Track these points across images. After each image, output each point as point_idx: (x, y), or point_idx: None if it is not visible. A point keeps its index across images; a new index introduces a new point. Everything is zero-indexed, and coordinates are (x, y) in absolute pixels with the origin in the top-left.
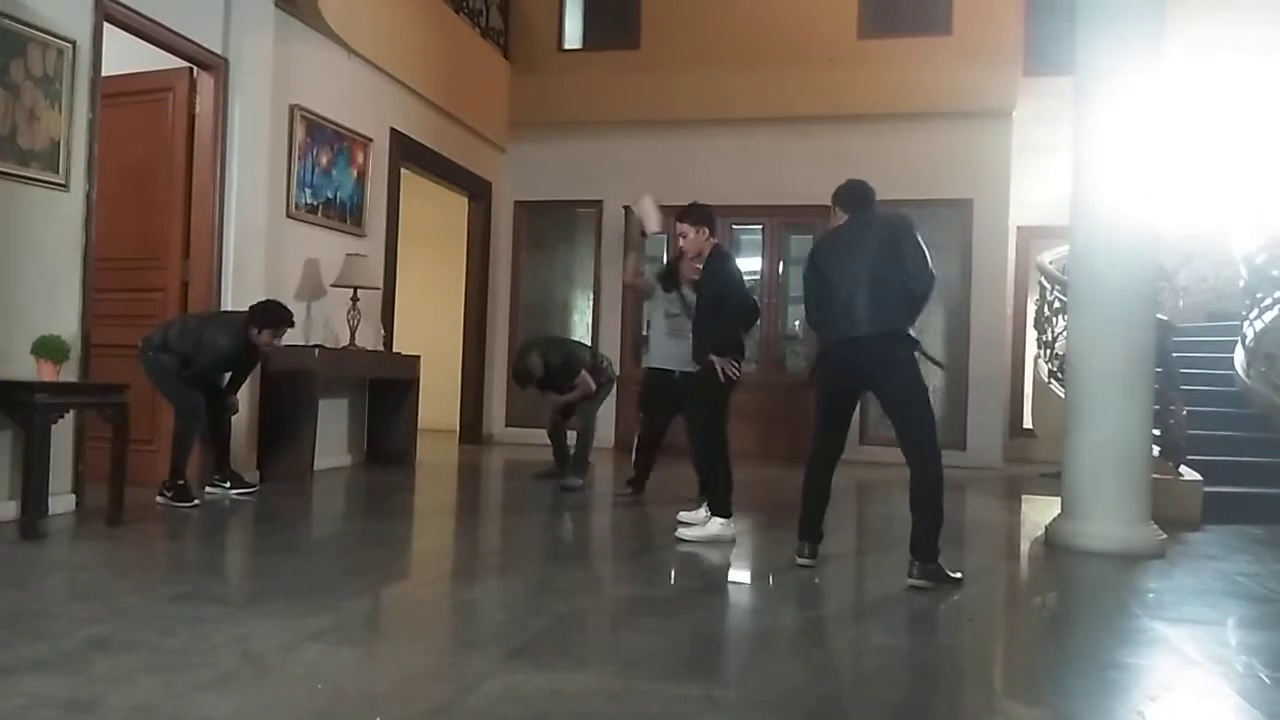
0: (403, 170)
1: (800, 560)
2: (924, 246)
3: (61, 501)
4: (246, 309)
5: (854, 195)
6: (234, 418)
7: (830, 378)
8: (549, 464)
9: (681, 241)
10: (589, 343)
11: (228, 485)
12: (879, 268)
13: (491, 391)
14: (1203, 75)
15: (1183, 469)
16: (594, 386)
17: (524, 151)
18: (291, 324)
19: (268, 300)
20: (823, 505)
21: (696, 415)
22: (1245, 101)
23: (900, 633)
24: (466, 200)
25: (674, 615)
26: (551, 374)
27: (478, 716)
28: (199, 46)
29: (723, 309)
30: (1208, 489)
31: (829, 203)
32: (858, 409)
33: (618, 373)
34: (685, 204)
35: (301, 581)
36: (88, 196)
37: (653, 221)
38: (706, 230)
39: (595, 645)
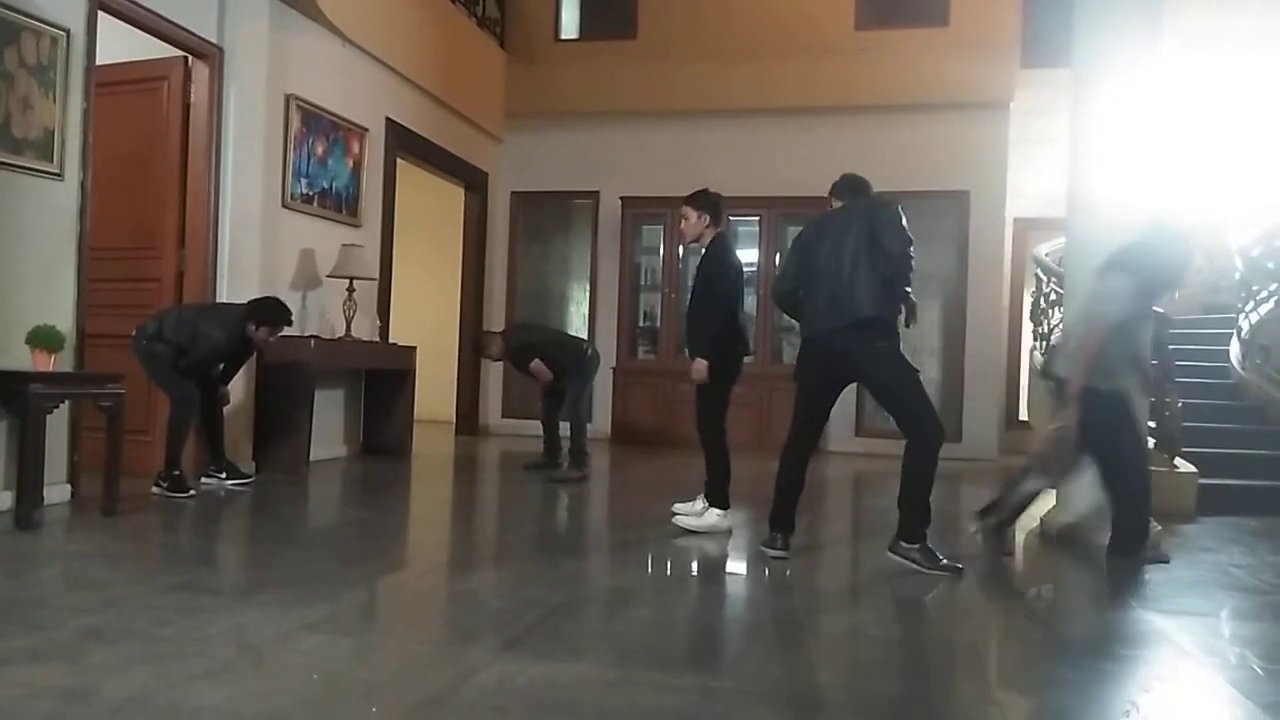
0: (399, 160)
1: (771, 552)
2: (902, 218)
3: (57, 491)
4: (244, 302)
5: (847, 185)
6: (229, 408)
7: (812, 369)
8: (539, 454)
9: (682, 224)
10: (579, 333)
11: (223, 476)
12: (860, 252)
13: (487, 382)
14: (1199, 68)
15: (1178, 461)
16: (549, 376)
17: (520, 142)
18: (290, 322)
19: (267, 297)
20: (797, 496)
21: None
22: (1241, 95)
23: (895, 623)
24: (463, 191)
25: (670, 606)
26: (511, 355)
27: (473, 706)
28: (194, 35)
29: (711, 298)
30: (1203, 481)
31: (826, 194)
32: (854, 400)
33: (611, 363)
34: (685, 194)
35: (297, 572)
36: (82, 186)
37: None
38: (708, 218)
39: (591, 635)
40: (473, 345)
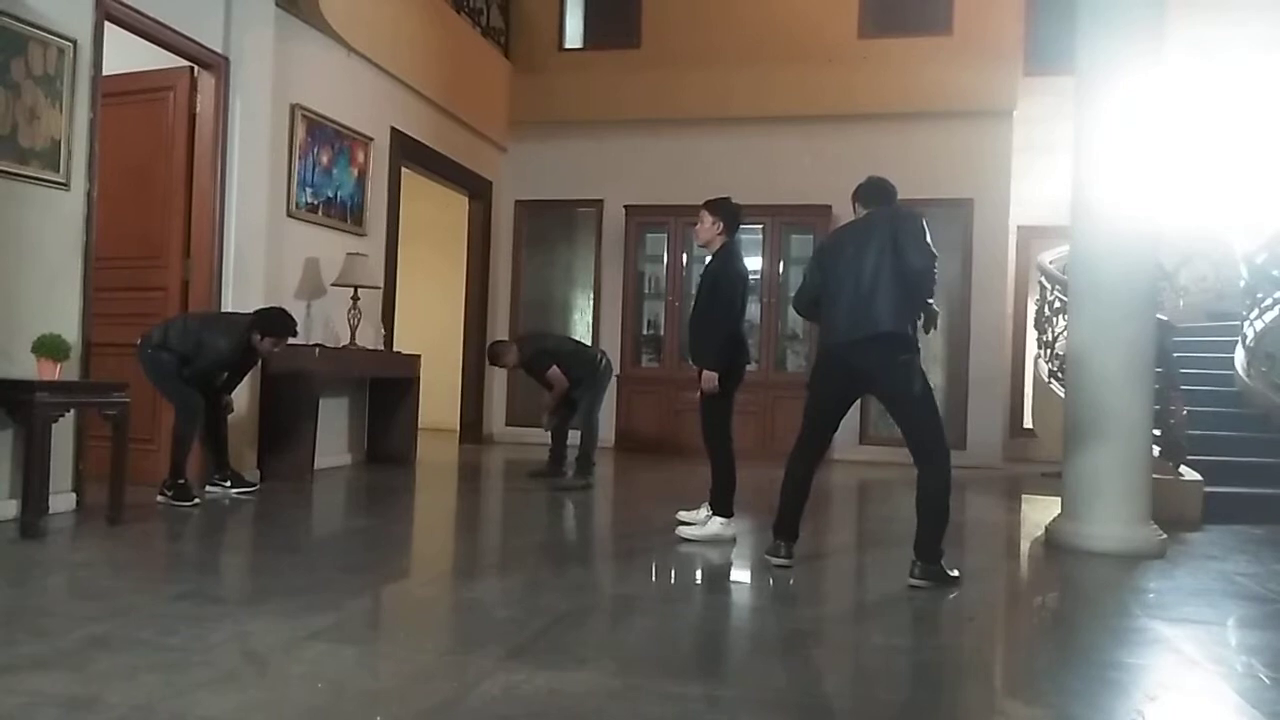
0: (403, 169)
1: (776, 560)
2: (925, 230)
3: (62, 500)
4: (249, 312)
5: (872, 190)
6: (233, 416)
7: (828, 380)
8: (543, 462)
9: (697, 225)
10: (588, 341)
11: (228, 484)
12: (882, 265)
13: (492, 391)
14: (1203, 75)
15: (1183, 469)
16: (565, 383)
17: (524, 151)
18: (295, 334)
19: (273, 308)
20: (803, 504)
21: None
22: (1245, 101)
23: (900, 632)
24: (467, 199)
25: (674, 614)
26: (525, 364)
27: (478, 715)
28: (200, 45)
29: (714, 303)
30: (1208, 489)
31: (829, 202)
32: (859, 408)
33: (615, 370)
34: (689, 202)
35: (302, 580)
36: (88, 195)
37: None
38: (722, 224)
39: (595, 644)
40: (487, 355)
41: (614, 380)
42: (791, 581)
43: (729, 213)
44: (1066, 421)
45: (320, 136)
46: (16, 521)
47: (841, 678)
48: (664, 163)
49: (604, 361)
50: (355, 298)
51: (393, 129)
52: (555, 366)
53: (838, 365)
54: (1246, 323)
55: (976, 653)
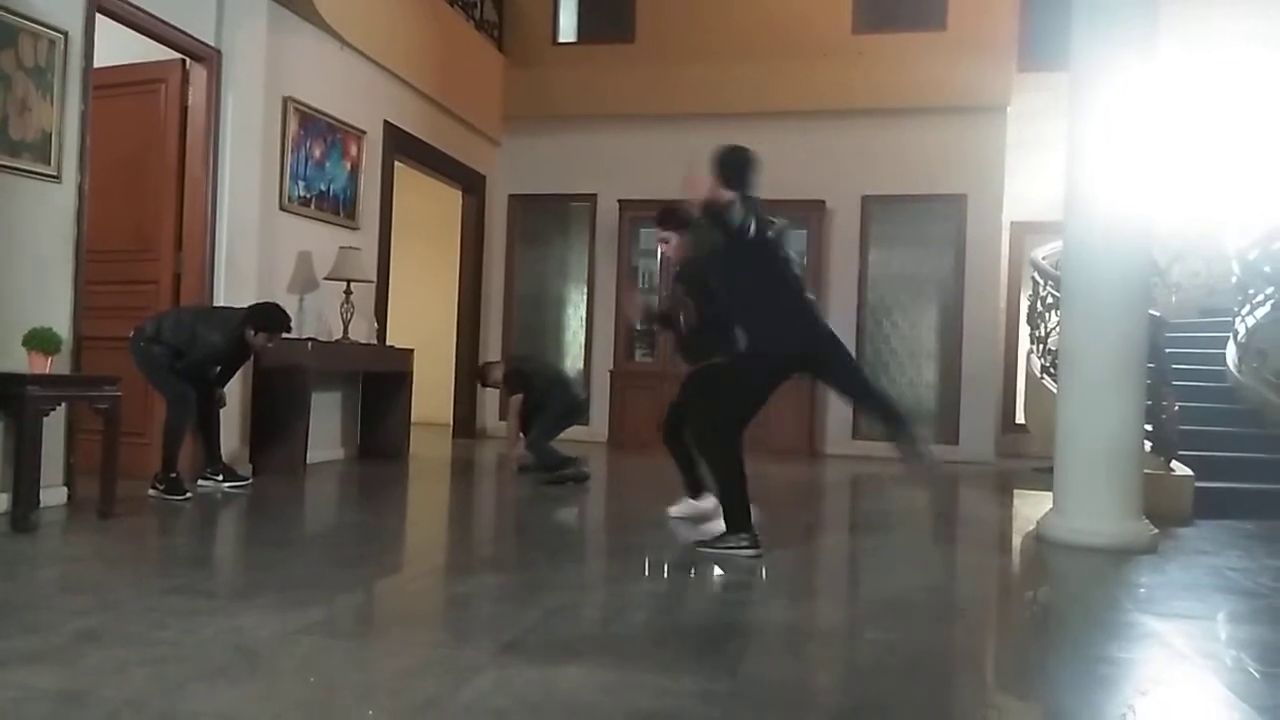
0: (396, 163)
1: (751, 553)
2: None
3: (53, 494)
4: (243, 306)
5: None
6: (225, 410)
7: (781, 373)
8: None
9: (663, 248)
10: (581, 338)
11: (220, 478)
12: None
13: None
14: (1197, 71)
15: (1174, 464)
16: (516, 420)
17: (518, 145)
18: (289, 329)
19: (267, 303)
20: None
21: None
22: (1239, 97)
23: (892, 626)
24: (460, 193)
25: (667, 608)
26: (504, 378)
27: (470, 709)
28: (192, 38)
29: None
30: (1199, 484)
31: (823, 197)
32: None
33: (584, 410)
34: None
35: (294, 574)
36: (80, 188)
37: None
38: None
39: (588, 638)
40: (477, 375)
41: (607, 375)
42: (787, 576)
43: (684, 220)
44: (1058, 417)
45: (313, 130)
46: (7, 515)
47: (834, 671)
48: (658, 157)
49: (584, 398)
50: (348, 292)
51: (386, 122)
52: (520, 397)
53: (796, 364)
54: (1238, 319)
55: (968, 647)
